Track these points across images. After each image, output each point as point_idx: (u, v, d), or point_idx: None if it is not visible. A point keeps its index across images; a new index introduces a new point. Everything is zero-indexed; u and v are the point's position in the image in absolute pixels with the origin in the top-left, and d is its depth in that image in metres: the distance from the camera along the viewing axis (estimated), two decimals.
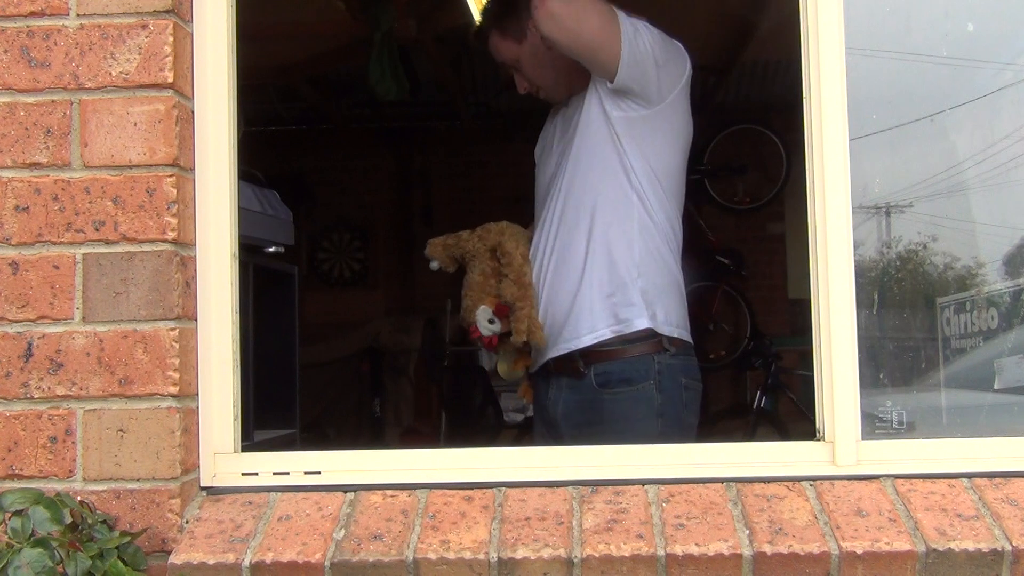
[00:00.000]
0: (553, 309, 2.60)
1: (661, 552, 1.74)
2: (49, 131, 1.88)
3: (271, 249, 3.46)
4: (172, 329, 1.86)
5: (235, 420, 1.96)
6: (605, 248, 2.55)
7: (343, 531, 1.82)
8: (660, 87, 2.54)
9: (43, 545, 1.61)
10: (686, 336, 2.61)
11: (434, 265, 2.79)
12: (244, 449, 1.98)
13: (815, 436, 1.95)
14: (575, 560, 1.74)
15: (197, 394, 1.93)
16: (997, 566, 1.72)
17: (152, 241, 1.87)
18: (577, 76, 2.64)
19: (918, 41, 2.30)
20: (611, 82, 2.51)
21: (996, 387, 2.31)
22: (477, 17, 4.70)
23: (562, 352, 2.59)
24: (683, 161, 2.66)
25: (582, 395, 2.60)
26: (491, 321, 2.66)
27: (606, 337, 2.54)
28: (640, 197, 2.55)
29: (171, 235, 1.87)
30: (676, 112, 2.61)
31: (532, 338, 2.58)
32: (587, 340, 2.55)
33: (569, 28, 2.46)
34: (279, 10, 4.19)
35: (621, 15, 2.48)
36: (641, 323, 2.52)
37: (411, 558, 1.76)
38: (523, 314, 2.59)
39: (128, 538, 1.75)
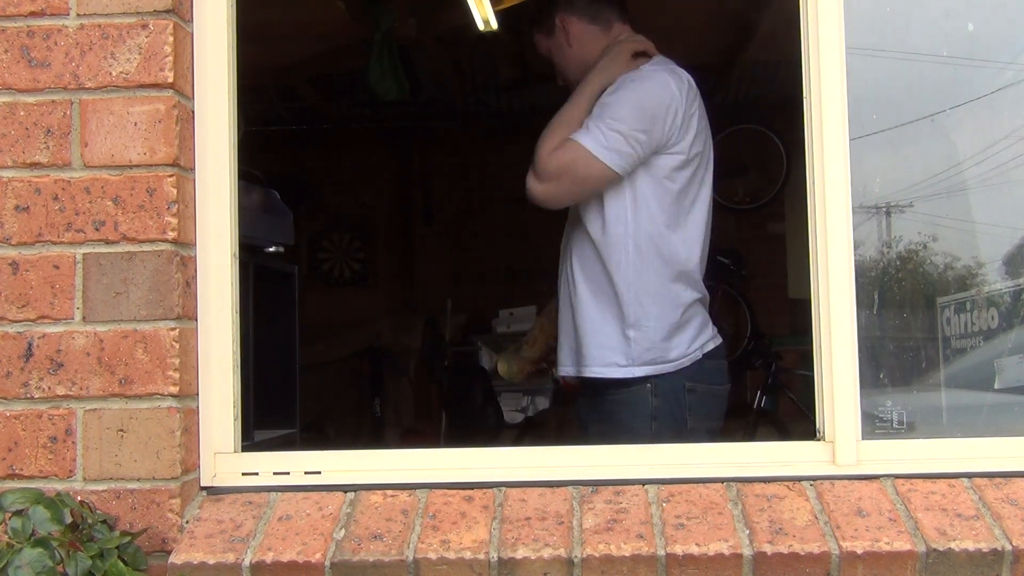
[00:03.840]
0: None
1: (661, 552, 1.74)
2: (49, 131, 1.88)
3: (271, 249, 3.46)
4: (172, 329, 1.86)
5: (235, 420, 1.96)
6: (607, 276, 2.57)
7: (343, 531, 1.82)
8: (656, 144, 2.50)
9: (43, 545, 1.61)
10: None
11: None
12: (244, 449, 1.98)
13: (815, 436, 1.95)
14: (575, 560, 1.74)
15: (197, 394, 1.93)
16: (997, 566, 1.72)
17: (152, 241, 1.87)
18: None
19: (918, 41, 2.30)
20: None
21: (996, 387, 2.30)
22: (477, 17, 4.71)
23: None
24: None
25: (589, 396, 2.70)
26: None
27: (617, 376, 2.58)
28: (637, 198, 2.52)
29: (171, 235, 1.87)
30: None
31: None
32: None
33: (564, 199, 2.57)
34: (279, 10, 4.19)
35: (590, 135, 2.45)
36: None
37: (411, 558, 1.76)
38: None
39: (128, 538, 1.75)
